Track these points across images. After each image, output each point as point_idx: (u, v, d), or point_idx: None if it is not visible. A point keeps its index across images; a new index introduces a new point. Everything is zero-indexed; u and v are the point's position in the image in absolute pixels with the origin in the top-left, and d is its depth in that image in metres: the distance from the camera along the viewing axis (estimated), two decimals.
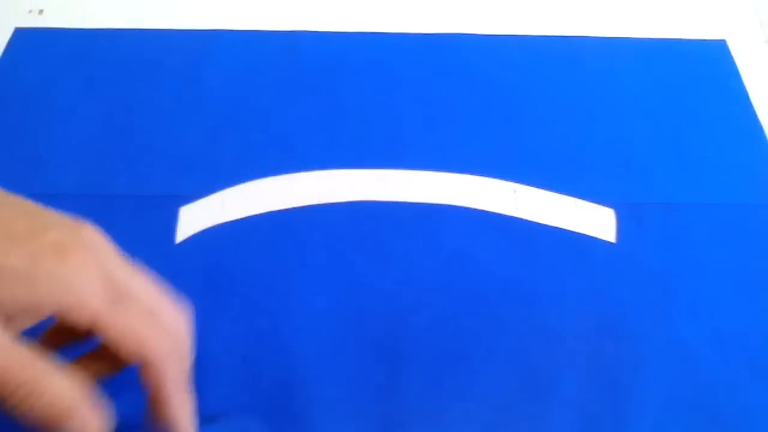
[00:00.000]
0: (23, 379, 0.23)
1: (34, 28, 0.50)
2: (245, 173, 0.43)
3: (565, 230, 0.41)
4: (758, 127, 0.46)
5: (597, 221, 0.41)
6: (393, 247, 0.41)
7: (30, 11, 0.51)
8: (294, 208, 0.41)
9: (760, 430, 0.35)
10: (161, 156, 0.44)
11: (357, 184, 0.42)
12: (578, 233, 0.41)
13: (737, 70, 0.48)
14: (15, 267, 0.22)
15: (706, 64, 0.49)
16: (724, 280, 0.39)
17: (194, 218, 0.41)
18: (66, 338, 0.29)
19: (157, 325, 0.27)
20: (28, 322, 0.24)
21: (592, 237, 0.41)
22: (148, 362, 0.26)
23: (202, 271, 0.39)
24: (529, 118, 0.46)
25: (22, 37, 0.49)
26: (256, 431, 0.34)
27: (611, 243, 0.41)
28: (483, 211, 0.42)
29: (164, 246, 0.40)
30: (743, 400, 0.35)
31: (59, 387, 0.24)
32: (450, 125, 0.46)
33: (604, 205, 0.42)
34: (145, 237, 0.40)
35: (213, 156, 0.44)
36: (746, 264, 0.40)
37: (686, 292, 0.39)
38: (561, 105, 0.47)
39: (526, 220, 0.42)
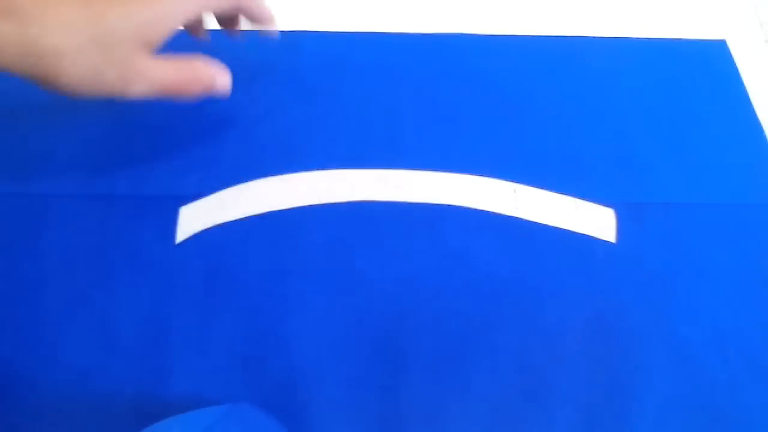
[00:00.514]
0: (182, 81, 0.36)
1: None
2: (245, 173, 0.43)
3: (565, 230, 0.41)
4: (758, 127, 0.46)
5: (597, 221, 0.41)
6: (393, 247, 0.41)
7: None
8: (294, 208, 0.41)
9: (760, 430, 0.35)
10: (161, 156, 0.44)
11: (357, 184, 0.42)
12: (578, 233, 0.41)
13: (737, 70, 0.48)
14: (144, 16, 0.33)
15: (706, 64, 0.49)
16: (724, 280, 0.39)
17: (194, 218, 0.41)
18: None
19: None
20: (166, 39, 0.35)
21: (592, 237, 0.41)
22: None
23: (202, 271, 0.39)
24: (529, 118, 0.46)
25: None
26: (254, 416, 0.34)
27: (611, 243, 0.41)
28: (483, 211, 0.42)
29: (164, 246, 0.40)
30: (743, 400, 0.35)
31: (206, 72, 0.38)
32: (450, 125, 0.46)
33: (604, 205, 0.42)
34: (145, 237, 0.40)
35: (213, 156, 0.44)
36: (746, 264, 0.40)
37: (686, 292, 0.39)
38: (561, 105, 0.47)
39: (526, 220, 0.42)
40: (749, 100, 0.47)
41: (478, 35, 0.51)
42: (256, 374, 0.36)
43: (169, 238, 0.40)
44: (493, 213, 0.42)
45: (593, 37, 0.51)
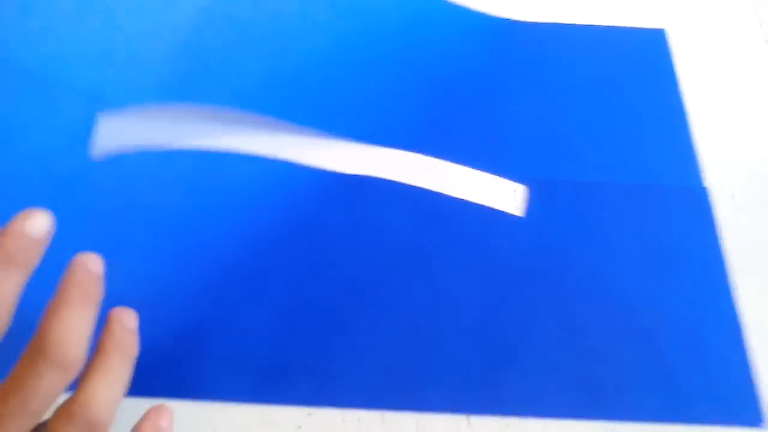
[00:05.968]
0: None
1: None
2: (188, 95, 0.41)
3: (474, 203, 0.42)
4: (682, 114, 0.45)
5: (505, 195, 0.43)
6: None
7: None
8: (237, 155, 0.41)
9: (637, 400, 0.37)
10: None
11: (293, 147, 0.42)
12: (486, 206, 0.42)
13: (671, 58, 0.49)
14: None
15: (642, 52, 0.49)
16: (623, 258, 0.40)
17: (115, 132, 0.38)
18: None
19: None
20: None
21: (499, 210, 0.42)
22: None
23: (116, 197, 0.39)
24: (457, 95, 0.46)
25: None
26: None
27: (518, 216, 0.42)
28: (396, 182, 0.43)
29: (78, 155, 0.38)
30: (623, 371, 0.37)
31: None
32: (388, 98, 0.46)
33: (516, 181, 0.43)
34: (56, 139, 0.38)
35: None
36: (649, 243, 0.40)
37: (585, 266, 0.40)
38: (489, 81, 0.47)
39: (437, 192, 0.42)
40: (679, 88, 0.47)
41: None
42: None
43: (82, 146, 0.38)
44: (408, 185, 0.43)
45: (532, 23, 0.51)
